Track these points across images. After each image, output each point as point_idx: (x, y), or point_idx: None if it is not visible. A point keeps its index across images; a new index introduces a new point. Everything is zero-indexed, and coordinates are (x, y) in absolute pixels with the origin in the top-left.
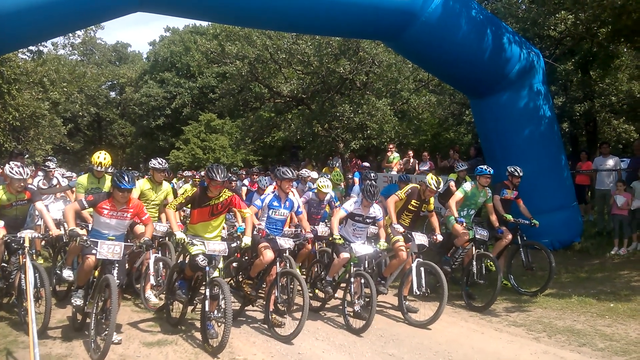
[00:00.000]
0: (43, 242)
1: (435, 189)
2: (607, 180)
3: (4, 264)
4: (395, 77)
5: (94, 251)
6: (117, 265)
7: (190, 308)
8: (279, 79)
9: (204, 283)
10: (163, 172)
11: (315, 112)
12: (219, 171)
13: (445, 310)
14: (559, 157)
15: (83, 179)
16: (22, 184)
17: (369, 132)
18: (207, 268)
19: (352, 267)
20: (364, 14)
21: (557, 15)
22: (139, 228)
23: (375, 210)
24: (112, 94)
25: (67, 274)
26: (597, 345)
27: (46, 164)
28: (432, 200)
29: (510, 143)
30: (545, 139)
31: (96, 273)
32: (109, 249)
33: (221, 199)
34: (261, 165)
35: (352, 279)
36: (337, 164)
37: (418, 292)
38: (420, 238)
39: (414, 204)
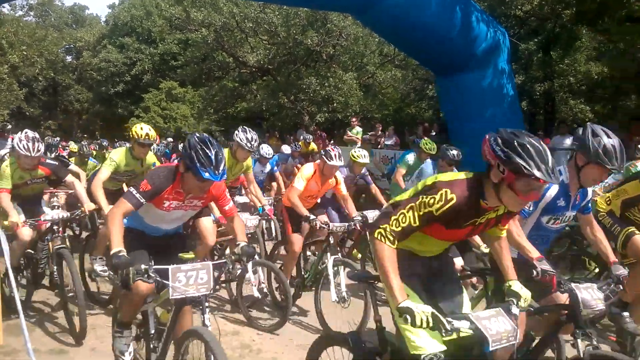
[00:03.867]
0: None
1: None
2: (564, 159)
3: (30, 251)
4: (361, 51)
5: (150, 280)
6: (207, 304)
7: None
8: (245, 48)
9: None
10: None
11: (281, 84)
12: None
13: None
14: None
15: (120, 155)
16: (29, 162)
17: (334, 105)
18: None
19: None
20: None
21: None
22: (206, 224)
23: None
24: (69, 58)
25: (100, 268)
26: None
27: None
28: None
29: (474, 120)
30: (509, 118)
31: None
32: (191, 279)
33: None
34: (223, 137)
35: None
36: (302, 137)
37: None
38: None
39: None
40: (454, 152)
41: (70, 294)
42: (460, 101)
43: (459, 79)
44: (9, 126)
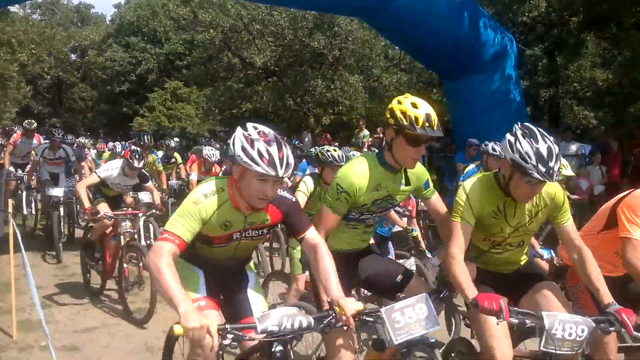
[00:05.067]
0: None
1: None
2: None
3: None
4: (367, 54)
5: None
6: None
7: None
8: (251, 49)
9: None
10: None
11: (287, 85)
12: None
13: None
14: None
15: (359, 175)
16: (267, 191)
17: (340, 107)
18: None
19: None
20: None
21: (531, 1)
22: None
23: None
24: (73, 56)
25: None
26: None
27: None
28: None
29: (480, 125)
30: (515, 123)
31: None
32: None
33: None
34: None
35: None
36: (307, 139)
37: None
38: None
39: None
40: None
41: None
42: (466, 105)
43: (466, 83)
44: (35, 124)
